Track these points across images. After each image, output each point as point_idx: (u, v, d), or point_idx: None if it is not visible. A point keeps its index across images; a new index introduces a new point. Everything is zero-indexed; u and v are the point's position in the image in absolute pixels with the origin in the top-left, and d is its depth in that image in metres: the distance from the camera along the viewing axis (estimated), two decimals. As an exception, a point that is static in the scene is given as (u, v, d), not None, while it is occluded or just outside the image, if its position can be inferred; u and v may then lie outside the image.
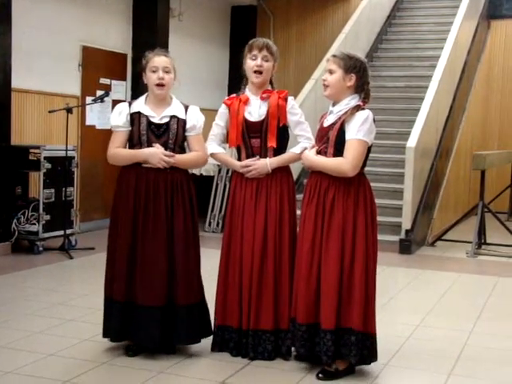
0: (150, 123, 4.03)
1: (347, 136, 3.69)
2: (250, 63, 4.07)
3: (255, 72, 4.06)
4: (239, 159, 4.19)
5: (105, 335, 4.12)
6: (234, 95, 4.21)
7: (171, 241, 3.99)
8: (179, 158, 4.04)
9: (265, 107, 4.10)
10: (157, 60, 4.03)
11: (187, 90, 9.58)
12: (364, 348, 3.72)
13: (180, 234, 4.00)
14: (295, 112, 4.14)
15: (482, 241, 8.39)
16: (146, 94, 4.14)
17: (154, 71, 4.01)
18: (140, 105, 4.08)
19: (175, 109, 4.09)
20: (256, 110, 4.11)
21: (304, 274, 3.77)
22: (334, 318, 3.68)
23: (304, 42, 12.19)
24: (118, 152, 4.06)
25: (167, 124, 4.04)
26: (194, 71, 10.71)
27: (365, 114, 3.71)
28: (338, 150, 3.71)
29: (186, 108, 4.13)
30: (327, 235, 3.72)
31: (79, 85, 8.52)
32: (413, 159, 7.92)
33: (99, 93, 8.14)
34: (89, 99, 8.31)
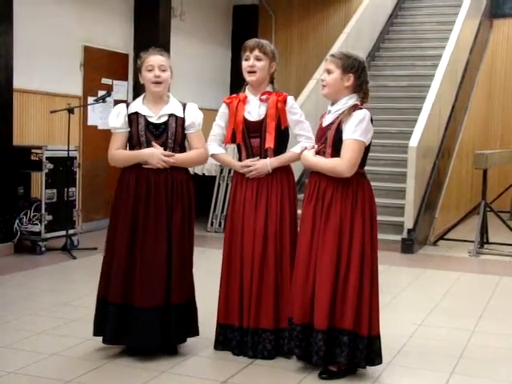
0: (148, 123, 4.02)
1: (344, 136, 3.69)
2: (244, 64, 4.11)
3: (248, 72, 4.08)
4: (240, 159, 4.19)
5: (96, 334, 4.07)
6: (235, 95, 4.23)
7: (170, 241, 4.00)
8: (179, 158, 4.04)
9: (264, 107, 4.10)
10: (152, 59, 4.03)
11: (189, 90, 9.62)
12: (356, 350, 3.70)
13: (177, 234, 3.98)
14: (295, 111, 4.14)
15: (484, 240, 8.37)
16: (143, 95, 4.14)
17: (150, 70, 4.01)
18: (138, 105, 4.07)
19: (173, 107, 4.08)
20: (255, 109, 4.11)
21: (301, 275, 3.77)
22: (325, 319, 3.66)
23: (305, 42, 12.19)
24: (118, 153, 4.06)
25: (166, 123, 4.03)
26: (195, 71, 10.72)
27: (361, 114, 3.70)
28: (336, 150, 3.70)
29: (184, 106, 4.12)
30: (323, 236, 3.71)
31: (81, 85, 8.53)
32: (415, 158, 7.92)
33: (101, 93, 8.13)
34: (90, 99, 8.32)
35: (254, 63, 4.07)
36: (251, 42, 4.12)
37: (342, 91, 3.78)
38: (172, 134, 4.04)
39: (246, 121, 4.11)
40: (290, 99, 4.14)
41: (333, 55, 3.83)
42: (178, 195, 4.01)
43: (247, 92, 4.17)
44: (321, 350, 3.68)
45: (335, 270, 3.68)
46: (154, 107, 4.06)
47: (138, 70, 4.13)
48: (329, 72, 3.79)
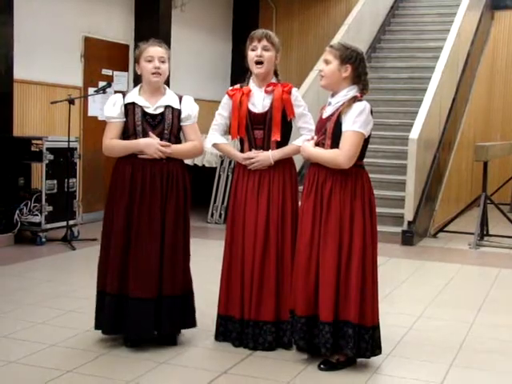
0: (144, 114, 4.01)
1: (343, 127, 3.68)
2: (251, 54, 4.07)
3: (256, 63, 4.05)
4: (242, 150, 4.18)
5: (97, 327, 4.10)
6: (238, 86, 4.20)
7: (163, 233, 3.99)
8: (175, 148, 4.03)
9: (269, 99, 4.09)
10: (152, 50, 4.02)
11: (189, 81, 9.59)
12: (362, 341, 3.72)
13: (170, 225, 3.98)
14: (299, 104, 4.13)
15: (484, 232, 8.39)
16: (139, 85, 4.13)
17: (149, 61, 3.99)
18: (134, 95, 4.06)
19: (169, 99, 4.07)
20: (260, 101, 4.10)
21: (303, 267, 3.77)
22: (331, 311, 3.68)
23: (306, 33, 12.16)
24: (113, 143, 4.04)
25: (162, 114, 4.02)
26: (196, 62, 10.70)
27: (361, 106, 3.70)
28: (335, 142, 3.70)
29: (180, 98, 4.11)
30: (325, 228, 3.72)
31: (81, 76, 8.52)
32: (415, 151, 7.90)
33: (101, 84, 8.12)
34: (91, 90, 8.31)
35: (262, 53, 4.04)
36: (258, 32, 4.09)
37: (341, 82, 3.77)
38: (168, 125, 4.03)
39: (249, 112, 4.09)
40: (295, 91, 4.13)
41: (331, 46, 3.82)
42: (173, 186, 4.01)
43: (251, 84, 4.15)
44: (328, 342, 3.69)
45: (338, 261, 3.69)
46: (150, 98, 4.05)
47: (135, 60, 4.11)
48: (326, 62, 3.79)
